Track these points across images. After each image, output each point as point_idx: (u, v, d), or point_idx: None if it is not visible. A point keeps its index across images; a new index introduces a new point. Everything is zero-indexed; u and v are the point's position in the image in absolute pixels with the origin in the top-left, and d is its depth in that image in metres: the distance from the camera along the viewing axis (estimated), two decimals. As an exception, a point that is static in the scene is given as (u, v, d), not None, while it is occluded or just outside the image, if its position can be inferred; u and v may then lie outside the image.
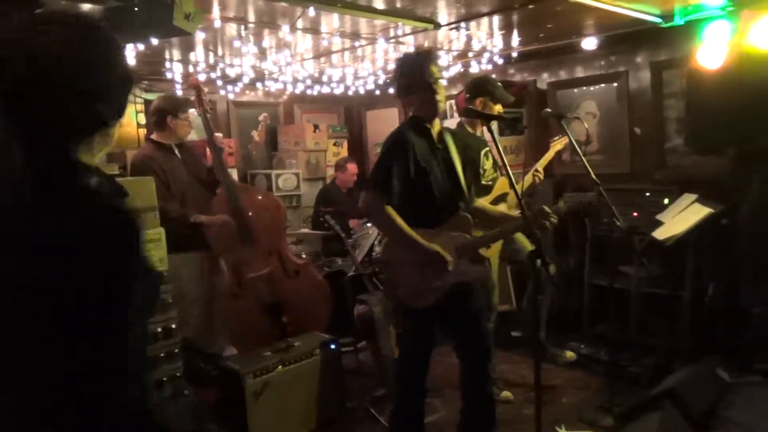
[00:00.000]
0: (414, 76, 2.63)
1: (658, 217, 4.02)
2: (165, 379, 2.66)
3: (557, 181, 5.16)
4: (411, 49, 4.68)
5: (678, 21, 3.86)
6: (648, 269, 4.14)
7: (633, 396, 3.44)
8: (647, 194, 4.41)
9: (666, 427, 2.75)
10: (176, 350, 2.99)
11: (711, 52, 3.66)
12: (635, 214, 4.36)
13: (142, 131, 5.47)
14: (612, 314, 4.19)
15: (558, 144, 3.82)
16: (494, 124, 4.63)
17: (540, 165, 3.78)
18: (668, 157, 4.68)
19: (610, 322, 4.25)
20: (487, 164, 3.74)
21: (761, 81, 3.59)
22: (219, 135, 3.93)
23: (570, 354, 4.30)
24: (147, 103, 5.24)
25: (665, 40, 4.47)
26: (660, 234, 3.79)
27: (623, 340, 4.20)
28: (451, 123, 5.18)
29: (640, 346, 4.16)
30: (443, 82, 2.68)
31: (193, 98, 3.96)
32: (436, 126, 2.70)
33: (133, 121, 5.47)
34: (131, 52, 3.82)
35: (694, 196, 3.93)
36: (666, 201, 4.22)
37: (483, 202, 2.95)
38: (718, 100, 3.80)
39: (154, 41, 3.29)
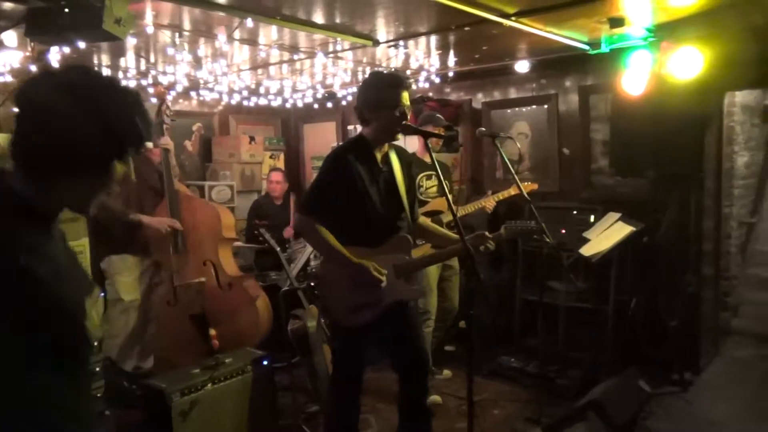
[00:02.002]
0: (386, 96, 2.49)
1: (585, 234, 4.18)
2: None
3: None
4: (350, 65, 4.70)
5: (604, 48, 4.06)
6: (575, 284, 4.30)
7: (561, 407, 3.54)
8: (575, 212, 4.59)
9: (591, 438, 2.85)
10: (97, 368, 2.84)
11: (634, 79, 3.87)
12: (563, 231, 4.52)
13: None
14: (541, 328, 4.32)
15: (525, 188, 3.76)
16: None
17: (494, 195, 3.88)
18: (594, 177, 4.89)
19: (540, 336, 4.37)
20: (428, 183, 3.80)
21: (678, 108, 3.82)
22: (166, 137, 3.96)
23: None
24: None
25: (592, 66, 4.68)
26: (586, 250, 3.94)
27: (552, 353, 4.32)
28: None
29: (567, 358, 4.30)
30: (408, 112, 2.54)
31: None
32: (384, 148, 2.64)
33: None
34: (56, 55, 3.64)
35: (617, 215, 4.11)
36: (592, 219, 4.41)
37: (425, 219, 2.97)
38: (639, 125, 4.02)
39: (82, 45, 3.15)
